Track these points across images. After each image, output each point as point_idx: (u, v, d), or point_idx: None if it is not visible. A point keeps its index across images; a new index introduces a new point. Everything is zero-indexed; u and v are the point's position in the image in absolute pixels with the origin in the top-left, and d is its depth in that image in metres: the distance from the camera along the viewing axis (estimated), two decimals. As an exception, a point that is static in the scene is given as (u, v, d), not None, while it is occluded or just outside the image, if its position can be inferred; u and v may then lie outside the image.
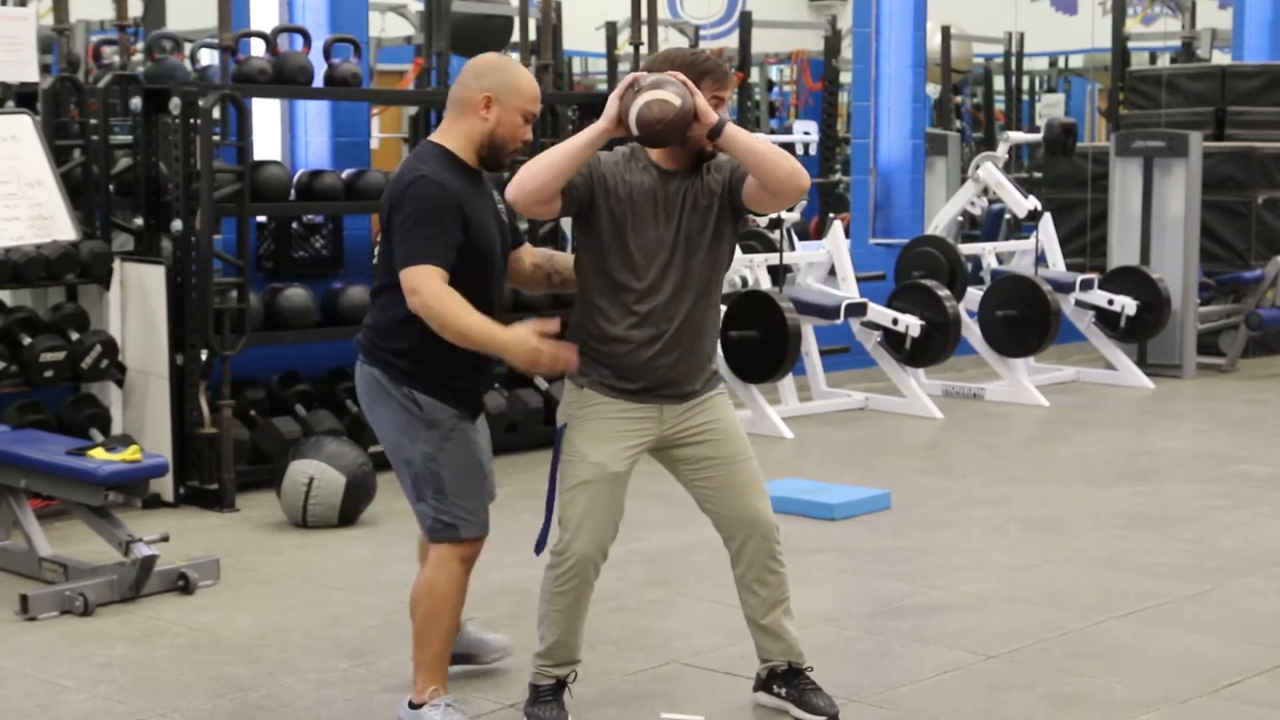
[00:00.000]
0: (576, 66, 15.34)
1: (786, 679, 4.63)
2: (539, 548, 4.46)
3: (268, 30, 7.74)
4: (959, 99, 15.37)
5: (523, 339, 4.17)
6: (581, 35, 13.59)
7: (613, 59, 13.02)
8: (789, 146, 11.19)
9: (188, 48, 8.75)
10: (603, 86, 14.03)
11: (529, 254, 4.60)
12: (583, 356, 4.32)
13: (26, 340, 6.80)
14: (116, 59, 7.75)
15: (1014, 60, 15.43)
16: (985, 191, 10.65)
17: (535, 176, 4.18)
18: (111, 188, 7.34)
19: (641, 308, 4.31)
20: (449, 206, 4.18)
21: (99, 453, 5.66)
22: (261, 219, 7.99)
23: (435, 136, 4.36)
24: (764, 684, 4.68)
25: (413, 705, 4.37)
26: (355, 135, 8.50)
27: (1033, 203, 10.42)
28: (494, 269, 4.36)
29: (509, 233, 4.48)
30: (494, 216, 4.37)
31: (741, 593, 4.60)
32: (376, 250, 4.34)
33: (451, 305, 4.14)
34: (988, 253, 10.75)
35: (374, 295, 4.41)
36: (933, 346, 9.46)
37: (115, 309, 7.11)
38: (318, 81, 7.70)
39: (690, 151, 4.32)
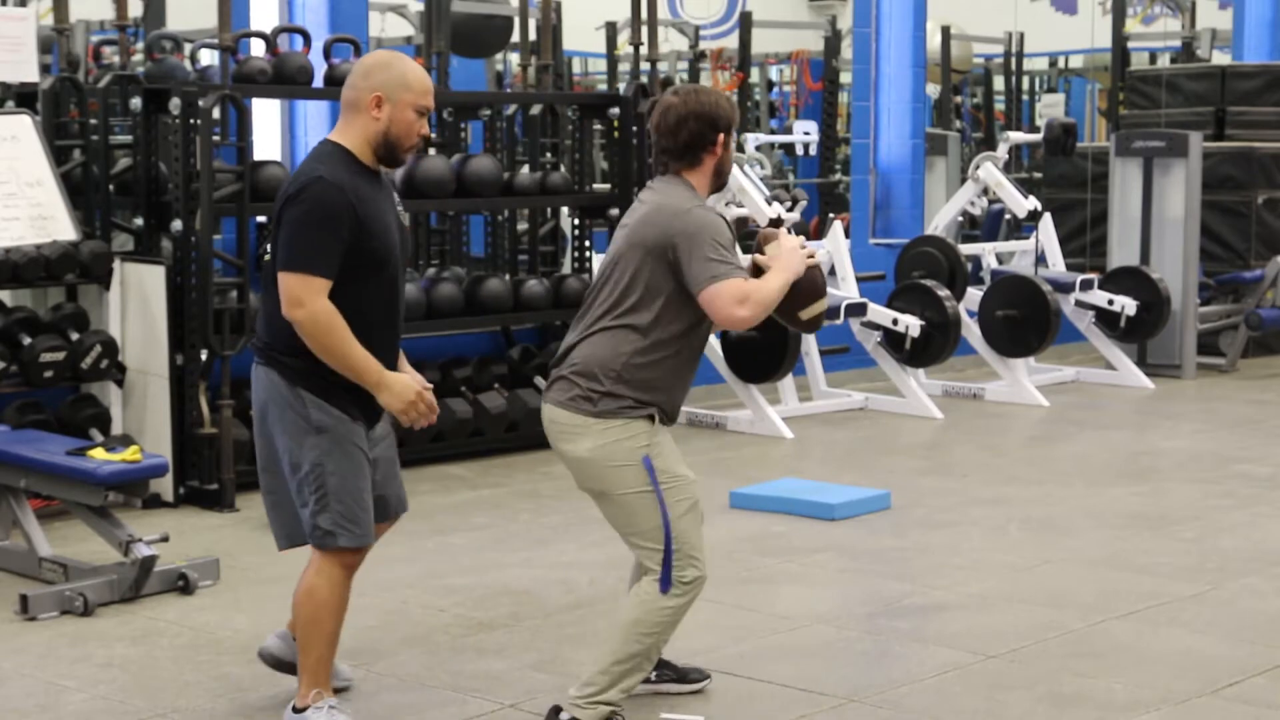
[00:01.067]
0: (576, 66, 15.33)
1: (660, 665, 4.72)
2: (665, 586, 4.34)
3: (268, 30, 7.74)
4: (959, 99, 15.36)
5: (407, 384, 4.20)
6: (581, 35, 13.58)
7: (613, 59, 13.02)
8: (789, 147, 11.22)
9: (188, 48, 8.74)
10: (602, 86, 14.02)
11: None
12: (640, 388, 4.30)
13: (26, 340, 6.80)
14: (116, 59, 7.74)
15: (1014, 60, 15.42)
16: (985, 191, 10.64)
17: (761, 316, 4.31)
18: (111, 188, 7.34)
19: (698, 342, 4.43)
20: (343, 211, 4.15)
21: (99, 453, 5.66)
22: (261, 219, 7.99)
23: (333, 136, 4.33)
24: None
25: (296, 710, 4.36)
26: (355, 135, 8.49)
27: (1033, 203, 10.42)
28: (393, 270, 4.32)
29: (408, 236, 4.50)
30: (394, 218, 4.35)
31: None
32: (266, 248, 4.33)
33: (338, 331, 4.14)
34: (988, 253, 10.75)
35: (265, 295, 4.34)
36: (933, 346, 9.46)
37: (115, 309, 7.11)
38: (318, 81, 7.70)
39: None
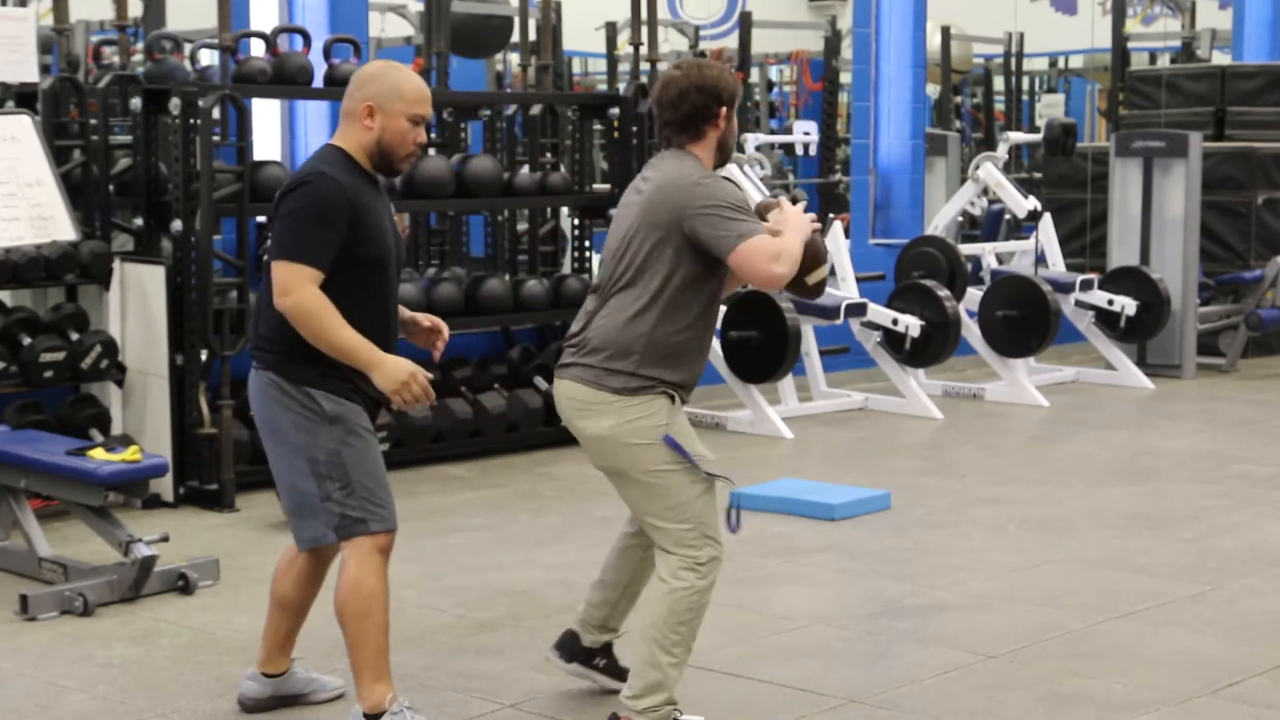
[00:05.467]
0: (576, 66, 15.34)
1: (607, 652, 4.70)
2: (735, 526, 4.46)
3: (268, 30, 7.74)
4: (959, 99, 15.37)
5: (400, 363, 4.17)
6: (581, 35, 13.58)
7: (613, 59, 13.03)
8: (789, 147, 11.23)
9: (188, 48, 8.74)
10: (602, 86, 14.03)
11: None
12: (660, 365, 4.29)
13: (26, 340, 6.80)
14: (116, 59, 7.74)
15: (1014, 60, 15.43)
16: (985, 191, 10.65)
17: (792, 272, 4.27)
18: (111, 188, 7.34)
19: (712, 318, 4.41)
20: (340, 206, 4.17)
21: (99, 453, 5.66)
22: (261, 219, 7.99)
23: (335, 140, 4.35)
24: (587, 655, 4.69)
25: (369, 716, 4.26)
26: (355, 135, 8.49)
27: (1033, 203, 10.42)
28: (389, 271, 4.32)
29: (401, 241, 4.49)
30: (389, 222, 4.37)
31: (633, 568, 4.60)
32: (265, 250, 4.33)
33: (327, 317, 4.13)
34: (988, 253, 10.76)
35: (262, 293, 4.33)
36: (932, 346, 9.47)
37: (115, 309, 7.11)
38: (318, 81, 7.70)
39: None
